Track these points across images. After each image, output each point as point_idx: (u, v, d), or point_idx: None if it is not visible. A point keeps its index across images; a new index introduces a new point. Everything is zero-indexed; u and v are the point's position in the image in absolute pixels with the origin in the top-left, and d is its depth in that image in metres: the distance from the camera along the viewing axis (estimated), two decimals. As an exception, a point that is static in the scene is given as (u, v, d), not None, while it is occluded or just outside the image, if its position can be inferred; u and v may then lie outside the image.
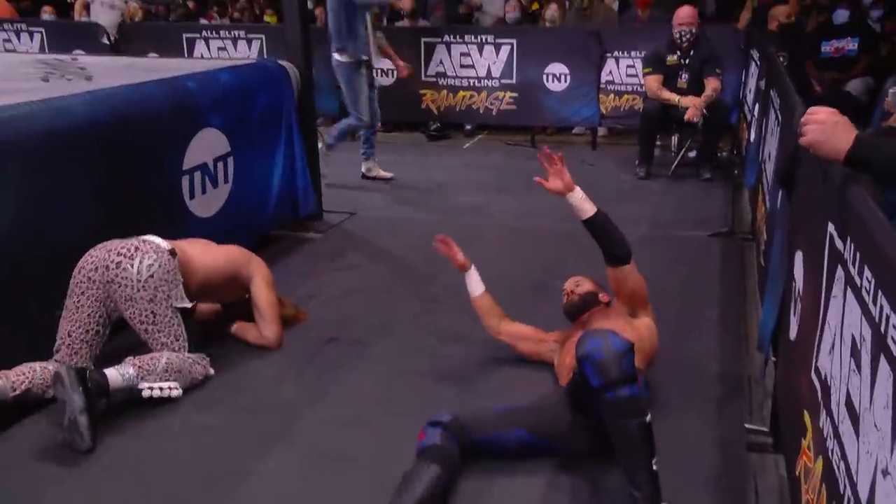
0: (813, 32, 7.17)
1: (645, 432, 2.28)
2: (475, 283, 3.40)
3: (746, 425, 2.80)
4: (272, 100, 4.78)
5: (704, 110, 6.12)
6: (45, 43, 9.05)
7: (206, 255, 3.33)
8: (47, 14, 9.80)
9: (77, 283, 3.02)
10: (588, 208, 3.16)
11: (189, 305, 3.12)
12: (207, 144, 4.18)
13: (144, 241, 3.09)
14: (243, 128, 4.48)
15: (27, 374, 2.87)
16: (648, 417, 2.29)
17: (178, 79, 4.15)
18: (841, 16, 6.94)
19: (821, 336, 1.85)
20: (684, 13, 6.23)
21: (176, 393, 3.01)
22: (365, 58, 6.15)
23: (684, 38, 6.22)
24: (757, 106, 5.43)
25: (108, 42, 8.79)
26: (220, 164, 4.30)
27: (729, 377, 3.16)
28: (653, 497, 2.25)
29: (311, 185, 5.13)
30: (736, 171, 6.47)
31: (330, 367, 3.34)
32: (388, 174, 6.53)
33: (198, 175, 4.11)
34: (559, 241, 4.80)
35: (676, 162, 6.65)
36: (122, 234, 3.28)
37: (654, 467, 2.27)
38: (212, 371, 3.22)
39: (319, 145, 5.67)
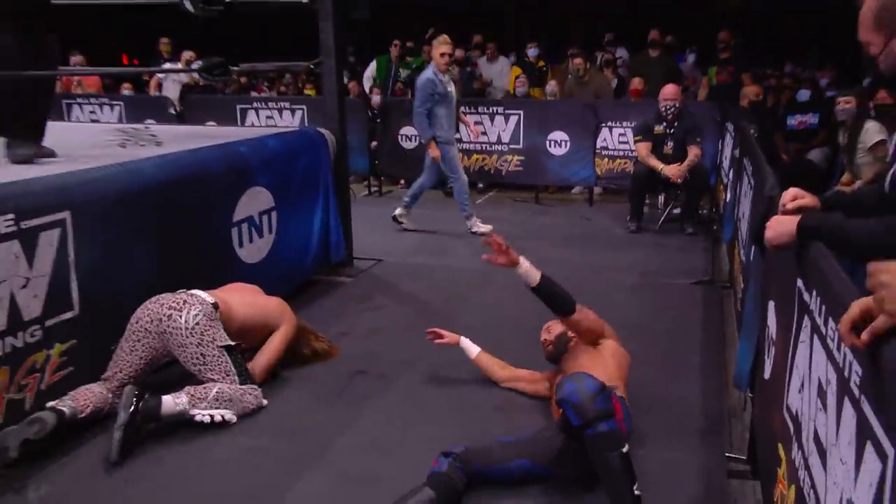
0: (781, 108, 7.31)
1: (624, 462, 2.31)
2: (470, 349, 3.45)
3: (727, 454, 2.77)
4: (311, 162, 4.84)
5: (687, 173, 6.22)
6: (123, 114, 9.22)
7: (244, 305, 3.38)
8: (126, 90, 9.99)
9: (134, 332, 3.08)
10: (534, 277, 3.09)
11: (232, 343, 3.14)
12: (255, 200, 4.24)
13: (191, 295, 3.16)
14: (286, 186, 4.53)
15: (90, 398, 2.96)
16: (626, 448, 2.32)
17: (231, 144, 4.23)
18: (803, 95, 7.38)
19: (790, 376, 1.84)
20: (669, 91, 6.35)
21: (229, 417, 3.02)
22: (456, 135, 6.38)
23: (668, 112, 6.33)
24: (732, 171, 5.46)
25: (174, 112, 8.97)
26: (266, 217, 4.35)
27: (711, 412, 3.11)
28: None
29: (343, 235, 5.16)
30: (715, 227, 6.48)
31: (358, 398, 3.33)
32: (486, 227, 6.28)
33: (245, 226, 4.16)
34: (566, 285, 4.78)
35: (663, 218, 6.68)
36: (182, 276, 3.39)
37: (637, 492, 2.29)
38: (264, 401, 3.21)
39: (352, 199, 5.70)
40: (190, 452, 2.85)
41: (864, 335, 1.17)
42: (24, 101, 3.49)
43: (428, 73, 6.11)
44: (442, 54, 5.95)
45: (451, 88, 6.18)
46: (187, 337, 3.04)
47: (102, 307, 3.15)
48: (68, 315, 3.03)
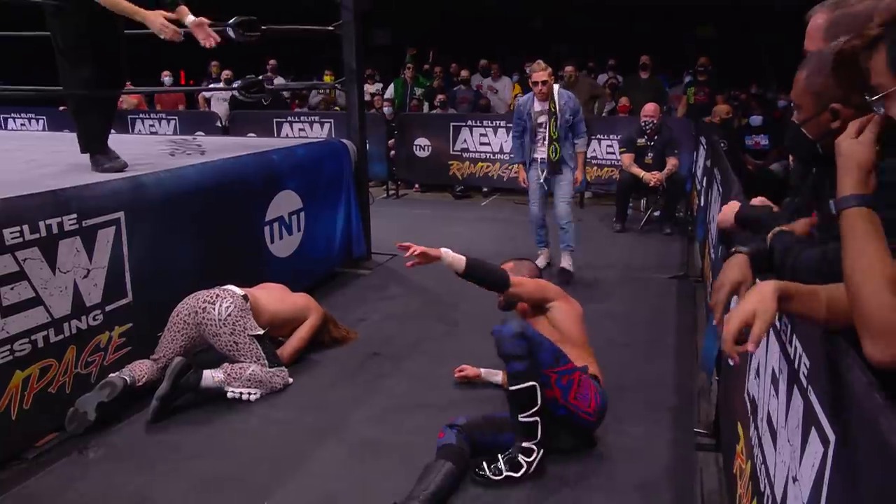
0: (739, 129, 7.28)
1: (525, 393, 2.38)
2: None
3: (695, 430, 2.74)
4: (335, 168, 4.83)
5: (664, 182, 6.23)
6: (178, 127, 9.24)
7: (274, 300, 3.36)
8: (181, 106, 9.99)
9: (174, 323, 3.10)
10: (459, 265, 2.77)
11: (262, 332, 3.13)
12: (284, 202, 4.23)
13: (224, 289, 3.15)
14: (313, 189, 4.53)
15: (145, 370, 3.00)
16: (529, 384, 2.38)
17: (265, 153, 4.22)
18: (755, 120, 7.17)
19: (749, 364, 1.81)
20: (648, 109, 6.36)
21: (255, 397, 3.04)
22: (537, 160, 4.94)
23: (648, 126, 6.32)
24: (704, 179, 5.40)
25: (220, 126, 8.97)
26: (294, 217, 4.35)
27: (682, 391, 3.10)
28: (524, 436, 2.42)
29: (363, 232, 5.15)
30: (689, 228, 6.41)
31: (373, 377, 3.33)
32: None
33: (276, 225, 4.16)
34: (555, 279, 4.75)
35: (645, 219, 6.64)
36: (221, 269, 3.39)
37: (530, 419, 2.40)
38: (290, 380, 3.21)
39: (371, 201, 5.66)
40: (227, 423, 2.87)
41: (751, 345, 1.14)
42: (103, 121, 3.52)
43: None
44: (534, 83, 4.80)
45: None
46: (221, 327, 3.04)
47: (153, 295, 3.16)
48: (124, 301, 3.06)
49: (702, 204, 5.33)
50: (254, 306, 3.19)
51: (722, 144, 4.98)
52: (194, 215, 3.45)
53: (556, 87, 4.79)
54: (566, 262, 4.90)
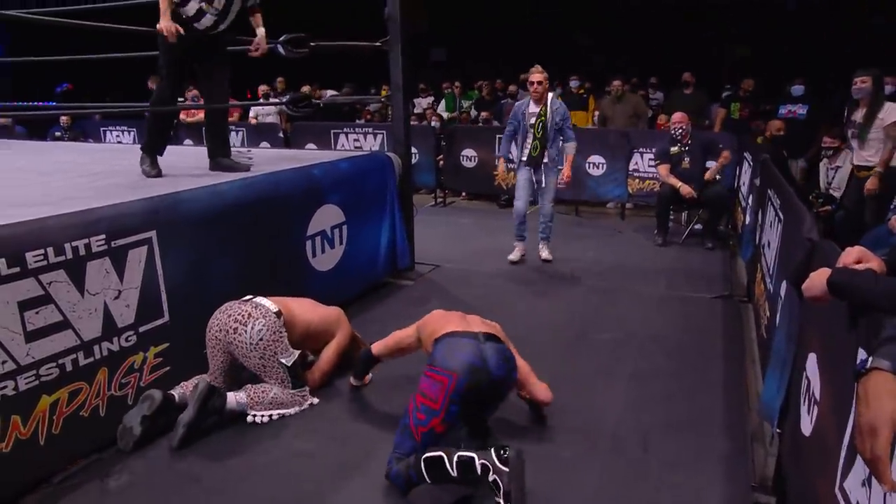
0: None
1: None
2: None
3: (751, 484, 2.23)
4: (379, 181, 4.45)
5: (717, 176, 5.87)
6: (245, 139, 9.06)
7: (306, 312, 2.97)
8: (252, 121, 9.73)
9: (209, 339, 2.78)
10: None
11: (289, 364, 2.75)
12: (326, 216, 3.87)
13: (256, 307, 2.75)
14: (356, 203, 4.16)
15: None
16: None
17: (307, 167, 3.86)
18: (797, 90, 6.72)
19: (848, 460, 1.31)
20: (676, 116, 5.89)
21: (276, 417, 2.72)
22: (523, 159, 5.04)
23: (678, 132, 5.78)
24: (751, 197, 4.80)
25: (282, 136, 8.75)
26: (336, 231, 3.99)
27: (733, 434, 2.56)
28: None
29: (407, 244, 4.77)
30: (731, 242, 5.79)
31: (402, 404, 2.90)
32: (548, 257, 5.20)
33: (318, 239, 3.81)
34: (600, 294, 4.30)
35: (686, 233, 6.01)
36: (261, 284, 3.04)
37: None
38: (315, 400, 2.86)
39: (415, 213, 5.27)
40: (247, 454, 2.51)
41: None
42: (166, 132, 3.74)
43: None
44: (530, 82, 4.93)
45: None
46: (251, 351, 2.70)
47: (191, 314, 2.84)
48: (160, 321, 2.75)
49: (748, 223, 4.72)
50: (287, 321, 2.81)
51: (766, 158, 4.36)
52: (233, 232, 3.12)
53: (550, 94, 4.90)
54: (545, 253, 5.14)
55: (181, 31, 3.24)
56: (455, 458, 2.04)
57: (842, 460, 1.33)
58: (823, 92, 7.73)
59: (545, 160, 4.91)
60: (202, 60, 3.53)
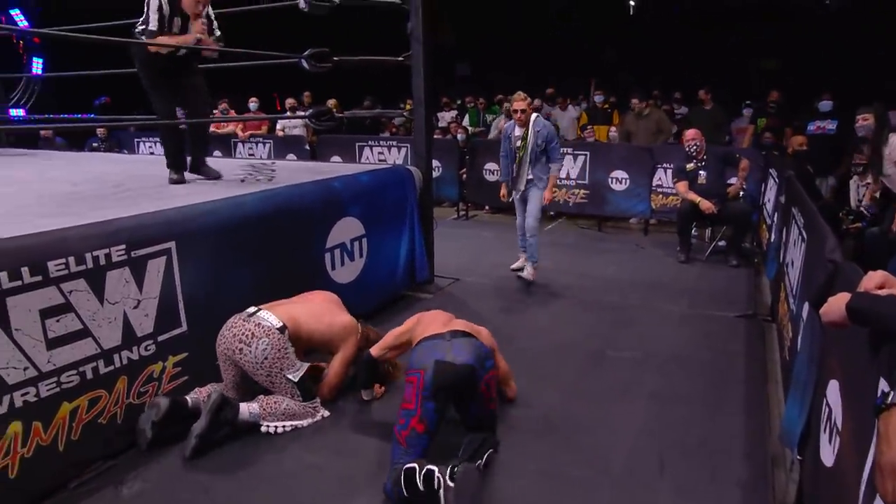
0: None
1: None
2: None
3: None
4: (399, 195, 4.45)
5: (744, 185, 5.83)
6: (273, 150, 9.17)
7: (312, 320, 2.89)
8: (279, 133, 9.84)
9: (219, 354, 2.79)
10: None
11: (296, 380, 2.74)
12: (346, 229, 3.88)
13: (259, 325, 2.71)
14: (376, 216, 4.16)
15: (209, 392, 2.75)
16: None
17: (328, 180, 3.88)
18: (825, 105, 6.57)
19: (868, 496, 1.24)
20: (689, 134, 5.81)
21: (289, 429, 2.71)
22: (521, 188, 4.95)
23: (692, 149, 5.70)
24: (776, 214, 4.66)
25: (308, 149, 8.84)
26: (356, 244, 3.99)
27: (754, 459, 2.46)
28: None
29: (426, 257, 4.75)
30: (756, 260, 5.64)
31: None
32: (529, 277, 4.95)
33: (338, 252, 3.81)
34: (620, 311, 4.22)
35: (709, 250, 5.87)
36: (279, 295, 3.03)
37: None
38: (326, 413, 2.85)
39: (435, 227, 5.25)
40: (258, 465, 2.50)
41: None
42: (181, 145, 3.99)
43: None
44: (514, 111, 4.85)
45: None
46: (258, 368, 2.70)
47: (209, 324, 2.85)
48: (178, 331, 2.77)
49: (773, 240, 4.59)
50: (293, 333, 2.76)
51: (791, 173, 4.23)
52: (251, 243, 3.13)
53: (534, 115, 4.84)
54: (527, 272, 4.95)
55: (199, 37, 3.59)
56: (423, 472, 2.11)
57: (861, 497, 1.26)
58: (853, 106, 7.55)
59: (529, 176, 4.84)
60: (179, 76, 3.75)
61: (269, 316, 2.78)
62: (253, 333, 2.69)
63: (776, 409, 2.85)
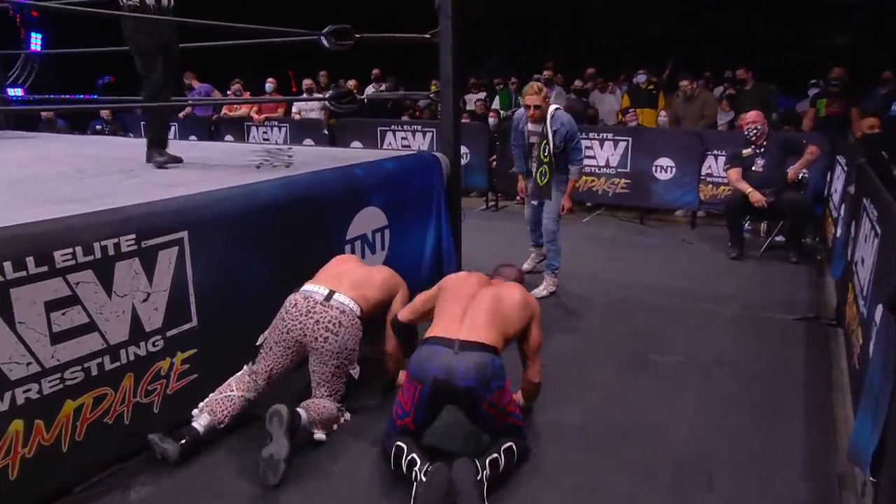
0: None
1: None
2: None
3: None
4: (425, 183, 4.45)
5: (807, 174, 5.65)
6: (289, 135, 9.24)
7: (374, 289, 3.00)
8: (296, 116, 9.92)
9: (284, 340, 2.79)
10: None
11: (356, 376, 2.83)
12: (368, 219, 3.89)
13: (343, 312, 2.77)
14: (400, 206, 4.16)
15: (229, 409, 2.72)
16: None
17: (349, 167, 3.90)
18: None
19: None
20: (750, 116, 5.66)
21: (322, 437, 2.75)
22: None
23: (752, 133, 5.56)
24: (844, 207, 4.54)
25: (326, 133, 8.88)
26: (378, 235, 4.00)
27: (816, 477, 2.41)
28: None
29: (453, 251, 4.74)
30: (819, 257, 5.51)
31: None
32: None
33: (359, 243, 3.83)
34: (661, 313, 4.17)
35: (765, 246, 5.74)
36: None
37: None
38: (348, 416, 2.88)
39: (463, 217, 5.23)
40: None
41: None
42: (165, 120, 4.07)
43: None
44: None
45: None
46: (333, 359, 2.75)
47: (221, 319, 2.90)
48: (188, 326, 2.81)
49: (840, 235, 4.48)
50: (365, 316, 2.87)
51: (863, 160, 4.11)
52: (268, 234, 3.16)
53: (553, 107, 4.54)
54: (543, 285, 4.66)
55: None
56: (409, 457, 2.32)
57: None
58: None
59: (546, 180, 4.57)
60: (165, 48, 3.71)
61: (350, 302, 2.82)
62: (340, 322, 2.74)
63: (843, 422, 2.78)
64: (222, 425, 2.68)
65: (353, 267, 3.10)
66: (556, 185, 4.61)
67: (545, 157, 4.50)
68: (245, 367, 2.88)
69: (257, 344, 2.89)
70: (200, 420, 2.67)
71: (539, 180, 4.60)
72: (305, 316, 2.75)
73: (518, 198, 8.02)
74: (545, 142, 4.47)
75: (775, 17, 12.26)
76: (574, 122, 4.61)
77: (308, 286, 2.90)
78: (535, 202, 4.80)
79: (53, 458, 2.36)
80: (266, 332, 2.88)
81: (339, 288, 2.86)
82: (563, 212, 4.67)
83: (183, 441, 2.58)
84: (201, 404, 2.75)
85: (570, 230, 6.74)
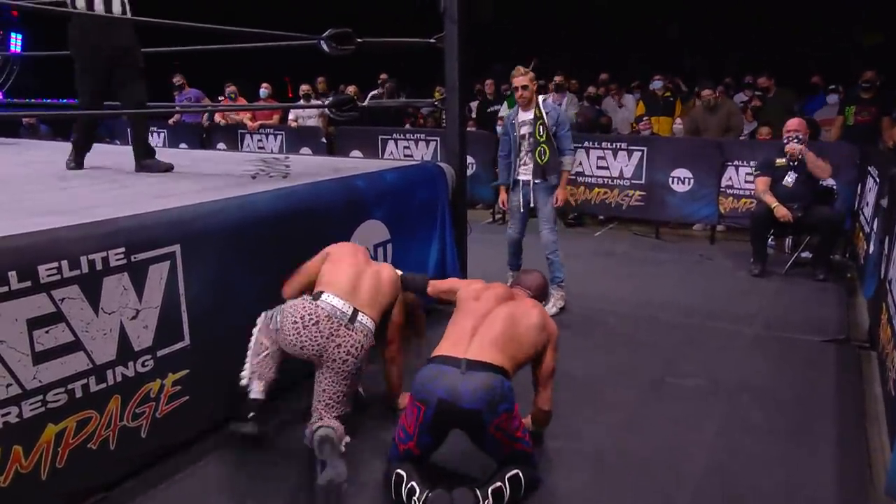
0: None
1: None
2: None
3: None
4: (429, 195, 4.45)
5: (833, 184, 5.57)
6: (284, 143, 9.28)
7: (385, 295, 3.04)
8: (292, 124, 9.96)
9: (292, 351, 2.79)
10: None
11: (363, 394, 2.94)
12: (370, 233, 3.89)
13: (366, 334, 2.81)
14: (402, 219, 4.16)
15: (273, 365, 2.86)
16: None
17: (350, 178, 3.90)
18: None
19: None
20: (793, 123, 5.59)
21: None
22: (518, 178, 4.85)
23: (792, 141, 5.48)
24: (876, 221, 4.52)
25: (324, 141, 8.92)
26: (381, 249, 4.00)
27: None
28: None
29: (458, 266, 4.73)
30: (850, 275, 5.47)
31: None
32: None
33: (359, 258, 3.82)
34: (679, 333, 4.14)
35: (791, 262, 5.70)
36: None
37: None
38: (348, 439, 2.83)
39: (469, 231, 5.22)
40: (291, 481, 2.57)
41: None
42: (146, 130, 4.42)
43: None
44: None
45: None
46: (346, 378, 2.77)
47: (214, 337, 2.88)
48: (179, 345, 2.79)
49: (872, 252, 4.45)
50: (376, 327, 2.93)
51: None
52: (265, 247, 3.14)
53: (541, 97, 4.70)
54: (553, 302, 4.63)
55: None
56: (408, 485, 2.35)
57: None
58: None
59: (544, 174, 4.65)
60: (113, 67, 3.98)
61: (368, 321, 2.85)
62: (363, 346, 2.79)
63: (878, 453, 2.74)
64: (275, 381, 2.82)
65: (364, 270, 3.06)
66: (539, 184, 4.66)
67: (541, 136, 4.58)
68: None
69: (242, 384, 2.86)
70: (255, 387, 2.78)
71: (539, 159, 4.64)
72: (327, 339, 2.72)
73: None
74: (540, 122, 4.57)
75: (794, 15, 12.21)
76: (563, 111, 4.78)
77: (331, 298, 2.82)
78: (537, 180, 4.71)
79: (31, 486, 2.31)
80: (257, 337, 2.89)
81: (358, 303, 2.86)
82: (556, 203, 4.71)
83: (251, 415, 2.70)
84: (245, 373, 2.84)
85: (582, 244, 6.76)
